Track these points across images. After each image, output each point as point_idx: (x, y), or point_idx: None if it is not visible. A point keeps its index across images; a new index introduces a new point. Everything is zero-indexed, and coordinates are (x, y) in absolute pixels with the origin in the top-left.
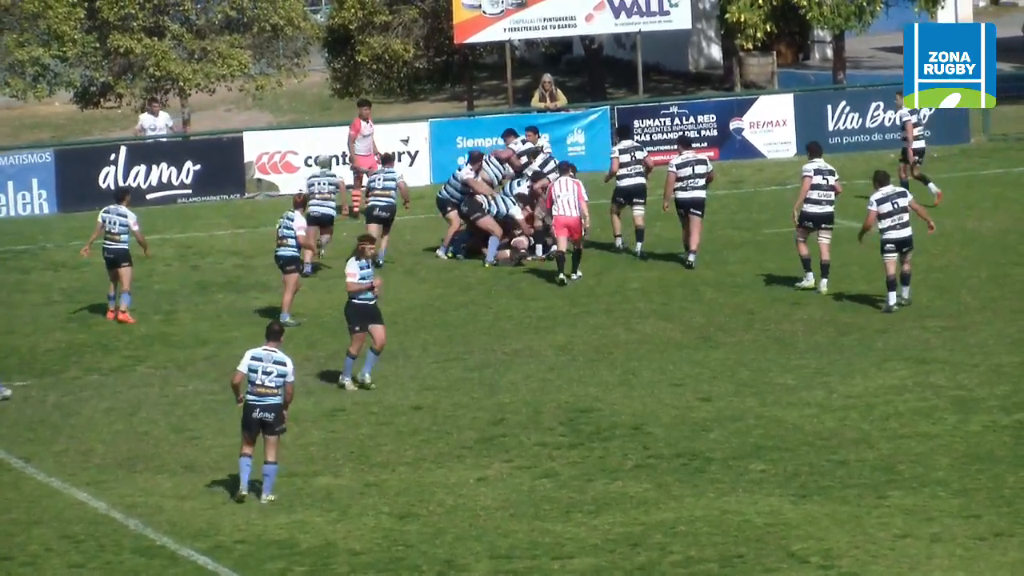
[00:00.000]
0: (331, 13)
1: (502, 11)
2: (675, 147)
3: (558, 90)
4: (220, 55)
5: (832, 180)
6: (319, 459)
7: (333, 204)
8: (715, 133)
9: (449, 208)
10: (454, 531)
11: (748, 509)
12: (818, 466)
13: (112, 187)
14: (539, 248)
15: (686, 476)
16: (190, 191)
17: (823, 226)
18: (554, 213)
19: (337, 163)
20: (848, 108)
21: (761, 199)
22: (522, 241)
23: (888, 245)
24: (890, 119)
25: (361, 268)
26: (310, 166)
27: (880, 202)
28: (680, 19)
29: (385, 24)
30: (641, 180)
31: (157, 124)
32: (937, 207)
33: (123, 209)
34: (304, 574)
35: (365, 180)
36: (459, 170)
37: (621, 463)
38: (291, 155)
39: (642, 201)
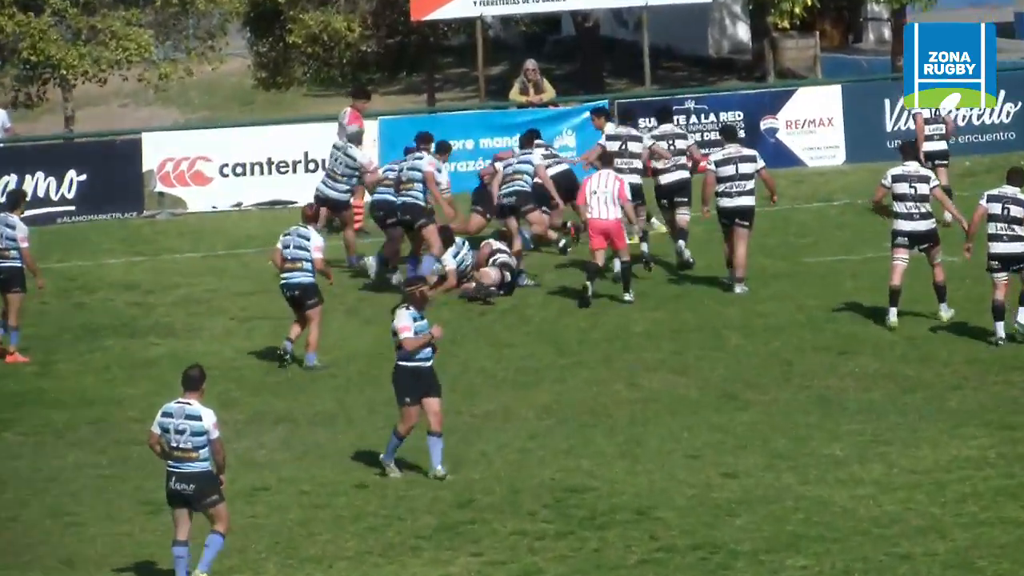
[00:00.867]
0: None
1: None
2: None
3: (544, 80)
4: (113, 35)
5: (926, 188)
6: (235, 552)
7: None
8: (742, 135)
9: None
10: None
11: None
12: (875, 561)
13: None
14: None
15: (705, 574)
16: (73, 208)
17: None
18: (588, 217)
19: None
20: None
21: (800, 218)
22: (489, 273)
23: (994, 263)
24: (964, 116)
25: (414, 320)
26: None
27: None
28: None
29: None
30: (685, 174)
31: None
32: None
33: (13, 219)
34: None
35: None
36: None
37: (623, 558)
38: (203, 162)
39: (685, 200)
